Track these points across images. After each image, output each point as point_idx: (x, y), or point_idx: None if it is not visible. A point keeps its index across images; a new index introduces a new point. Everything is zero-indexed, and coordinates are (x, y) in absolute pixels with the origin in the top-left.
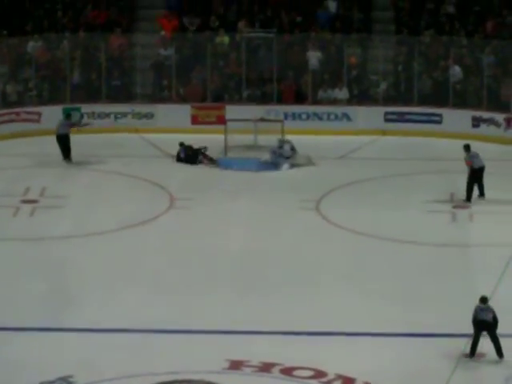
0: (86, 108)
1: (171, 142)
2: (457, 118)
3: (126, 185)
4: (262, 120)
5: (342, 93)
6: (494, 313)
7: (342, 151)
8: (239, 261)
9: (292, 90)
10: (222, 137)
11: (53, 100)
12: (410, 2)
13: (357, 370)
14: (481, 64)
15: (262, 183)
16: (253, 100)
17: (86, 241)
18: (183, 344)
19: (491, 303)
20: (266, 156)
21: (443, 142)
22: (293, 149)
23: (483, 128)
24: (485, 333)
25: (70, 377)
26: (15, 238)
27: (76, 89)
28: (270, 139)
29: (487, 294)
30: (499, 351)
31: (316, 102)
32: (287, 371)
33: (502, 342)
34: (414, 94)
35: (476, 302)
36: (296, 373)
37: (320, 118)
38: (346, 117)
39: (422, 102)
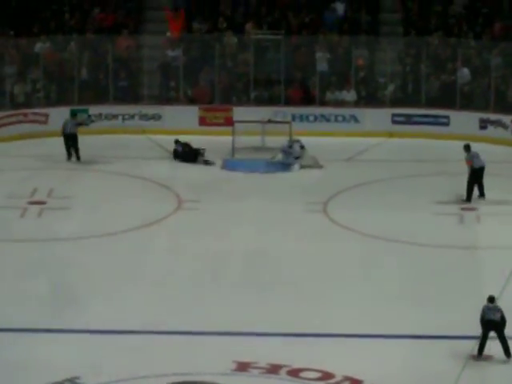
0: (93, 109)
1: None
2: (464, 120)
3: (134, 186)
4: (270, 122)
5: (350, 95)
6: (502, 312)
7: (350, 153)
8: (246, 262)
9: (299, 91)
10: (229, 138)
11: (60, 101)
12: (417, 4)
13: (364, 371)
14: (488, 66)
15: (269, 185)
16: (260, 102)
17: (93, 242)
18: (191, 345)
19: (499, 305)
20: (278, 156)
21: (450, 143)
22: (302, 147)
23: (490, 130)
24: (493, 333)
25: (78, 378)
26: (23, 239)
27: (83, 90)
28: (277, 141)
29: (495, 295)
30: (507, 351)
31: (324, 103)
32: (294, 373)
33: (510, 343)
34: (422, 95)
35: (484, 303)
36: (303, 374)
37: (327, 120)
38: (354, 119)
39: (430, 103)
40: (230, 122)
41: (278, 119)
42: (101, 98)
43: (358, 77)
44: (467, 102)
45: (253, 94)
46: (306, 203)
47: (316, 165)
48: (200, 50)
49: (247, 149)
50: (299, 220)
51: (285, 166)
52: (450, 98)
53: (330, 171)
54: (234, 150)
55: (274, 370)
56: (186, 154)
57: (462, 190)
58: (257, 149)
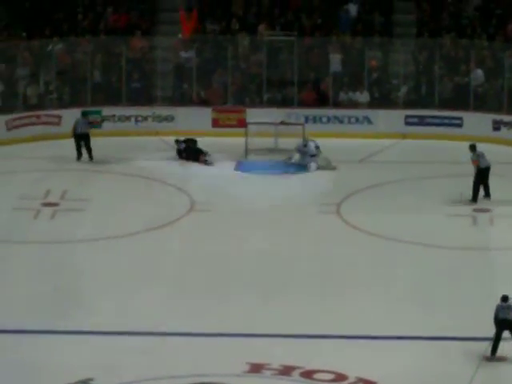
0: (106, 111)
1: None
2: (477, 122)
3: (147, 188)
4: (283, 123)
5: (363, 96)
6: None
7: (363, 154)
8: (259, 264)
9: (312, 93)
10: (242, 140)
11: (73, 103)
12: (430, 5)
13: (378, 373)
14: (502, 67)
15: (282, 187)
16: (273, 103)
17: (106, 244)
18: (203, 347)
19: None
20: (294, 156)
21: (464, 145)
22: (317, 147)
23: (504, 131)
24: (507, 334)
25: (91, 380)
26: (36, 241)
27: (97, 91)
28: (290, 142)
29: (509, 295)
30: None
31: (337, 104)
32: (307, 374)
33: None
34: (435, 97)
35: (498, 303)
36: (316, 376)
37: (341, 122)
38: (367, 120)
39: (443, 105)
40: (242, 123)
41: (291, 121)
42: (114, 99)
43: (371, 78)
44: (480, 104)
45: (266, 96)
46: (319, 205)
47: (329, 166)
48: (213, 52)
49: (260, 150)
50: (312, 221)
51: (301, 167)
52: (463, 99)
53: (343, 173)
54: (247, 151)
55: (287, 371)
56: (190, 151)
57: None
58: (270, 150)
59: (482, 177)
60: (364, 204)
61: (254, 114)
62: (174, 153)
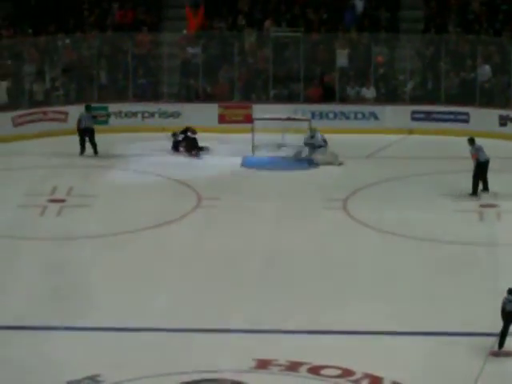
0: (113, 107)
1: (198, 140)
2: (484, 117)
3: (153, 184)
4: (290, 119)
5: (370, 92)
6: None
7: (369, 150)
8: (266, 259)
9: (319, 89)
10: (249, 136)
11: (80, 99)
12: (437, 1)
13: (384, 368)
14: (508, 63)
15: (288, 182)
16: (280, 99)
17: (113, 240)
18: (210, 343)
19: None
20: (304, 150)
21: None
22: (325, 140)
23: (510, 127)
24: None
25: (98, 376)
26: (42, 237)
27: (103, 88)
28: (297, 138)
29: None
30: None
31: (343, 100)
32: (315, 370)
33: None
34: (441, 92)
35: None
36: (323, 372)
37: (347, 117)
38: (373, 116)
39: (449, 100)
40: (249, 119)
41: (298, 116)
42: (120, 95)
43: (377, 74)
44: (487, 99)
45: (272, 92)
46: (325, 200)
47: (336, 161)
48: (219, 48)
49: (267, 146)
50: (319, 217)
51: (307, 163)
52: (469, 94)
53: (349, 168)
54: (253, 147)
55: (294, 367)
56: (189, 140)
57: (482, 187)
58: (276, 146)
59: (481, 170)
60: (370, 199)
61: (260, 110)
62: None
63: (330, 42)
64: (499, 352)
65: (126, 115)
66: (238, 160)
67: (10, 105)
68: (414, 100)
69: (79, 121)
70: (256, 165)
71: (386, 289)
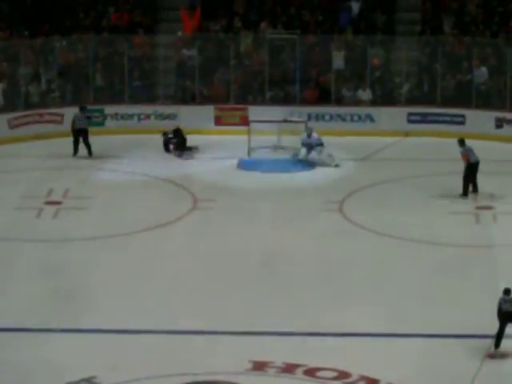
0: (109, 109)
1: (194, 142)
2: (480, 119)
3: (149, 186)
4: (286, 121)
5: (366, 94)
6: None
7: (365, 152)
8: (262, 262)
9: (315, 92)
10: (245, 138)
11: (76, 101)
12: (433, 3)
13: (380, 370)
14: (504, 64)
15: (284, 184)
16: (276, 101)
17: (108, 242)
18: (207, 345)
19: None
20: (302, 151)
21: (466, 142)
22: (321, 144)
23: (506, 129)
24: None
25: (94, 378)
26: (39, 239)
27: (99, 90)
28: (293, 140)
29: None
30: None
31: (339, 102)
32: (311, 372)
33: None
34: (437, 94)
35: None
36: (320, 374)
37: (343, 119)
38: (369, 118)
39: (445, 102)
40: (245, 121)
41: (294, 118)
42: (116, 97)
43: (373, 76)
44: (483, 101)
45: (268, 94)
46: (321, 202)
47: (332, 163)
48: (215, 50)
49: (263, 148)
50: (315, 219)
51: (304, 165)
52: (465, 97)
53: (345, 170)
54: (249, 149)
55: (290, 369)
56: (180, 139)
57: (478, 189)
58: (272, 148)
59: (471, 172)
60: (367, 202)
61: (256, 112)
62: (191, 154)
63: (326, 44)
64: (496, 353)
65: (122, 117)
66: (234, 162)
67: (6, 107)
68: (410, 102)
69: (73, 122)
70: (252, 167)
71: (382, 291)
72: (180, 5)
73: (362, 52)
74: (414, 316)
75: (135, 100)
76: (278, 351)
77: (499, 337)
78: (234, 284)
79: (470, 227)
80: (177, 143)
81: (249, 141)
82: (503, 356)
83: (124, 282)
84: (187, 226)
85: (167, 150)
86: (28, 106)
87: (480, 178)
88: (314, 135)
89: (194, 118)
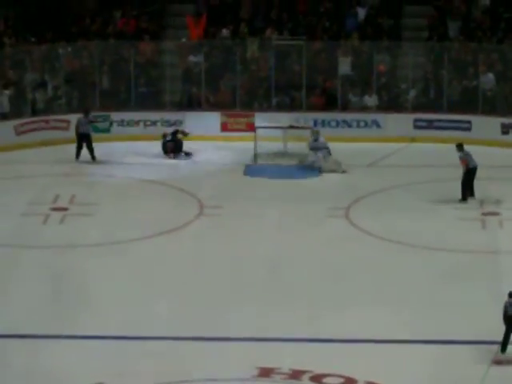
0: (115, 115)
1: (201, 149)
2: (486, 125)
3: (156, 192)
4: (292, 127)
5: (372, 100)
6: None
7: (372, 158)
8: (268, 268)
9: (321, 98)
10: (251, 144)
11: (82, 108)
12: (439, 9)
13: (387, 377)
14: (510, 71)
15: (291, 190)
16: (282, 107)
17: (115, 248)
18: (213, 351)
19: None
20: (309, 156)
21: (472, 148)
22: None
23: None
24: None
25: None
26: (45, 245)
27: (105, 96)
28: (299, 146)
29: None
30: None
31: (345, 108)
32: (317, 378)
33: None
34: (444, 101)
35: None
36: (326, 380)
37: (349, 125)
38: (376, 124)
39: (452, 108)
40: (251, 127)
41: (300, 125)
42: (122, 104)
43: (379, 82)
44: (489, 107)
45: (274, 100)
46: (327, 208)
47: (339, 169)
48: (221, 56)
49: (269, 155)
50: (321, 225)
51: (310, 171)
52: (472, 103)
53: (351, 176)
54: (255, 155)
55: (296, 375)
56: (176, 141)
57: (485, 196)
58: (279, 154)
59: (470, 177)
60: (373, 208)
61: (262, 118)
62: (183, 156)
63: (332, 50)
64: (502, 359)
65: (128, 123)
66: (241, 168)
67: (13, 113)
68: (417, 108)
69: (76, 126)
70: (258, 173)
71: (388, 297)
72: (186, 11)
73: (369, 58)
74: (420, 322)
75: (141, 106)
76: (285, 357)
77: (505, 341)
78: (241, 290)
79: (477, 233)
80: (173, 146)
81: (255, 147)
82: (510, 362)
83: (130, 288)
84: (194, 232)
85: (165, 152)
86: (34, 112)
87: (486, 184)
88: (321, 139)
89: (200, 125)
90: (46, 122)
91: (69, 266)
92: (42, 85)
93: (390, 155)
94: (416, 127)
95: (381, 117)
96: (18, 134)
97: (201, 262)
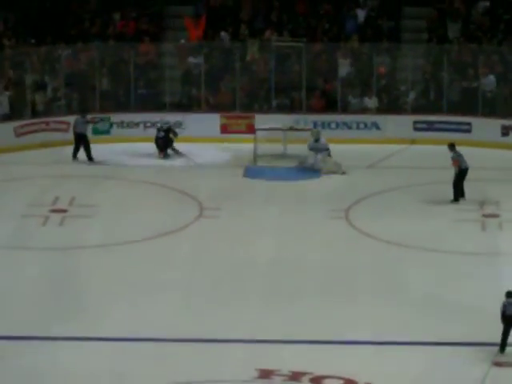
0: (114, 117)
1: (200, 151)
2: (486, 127)
3: (155, 194)
4: (292, 129)
5: (372, 102)
6: None
7: (371, 160)
8: (269, 270)
9: (321, 101)
10: (251, 146)
11: (83, 110)
12: (438, 10)
13: (386, 379)
14: (510, 72)
15: (290, 192)
16: (282, 109)
17: (114, 250)
18: (213, 353)
19: None
20: (309, 157)
21: (472, 150)
22: (327, 147)
23: None
24: None
25: None
26: (44, 247)
27: (105, 98)
28: (299, 148)
29: None
30: None
31: (345, 110)
32: (317, 380)
33: None
34: (443, 102)
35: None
36: (326, 382)
37: (349, 127)
38: (375, 126)
39: (452, 110)
40: (251, 129)
41: (300, 126)
42: (122, 105)
43: (379, 84)
44: (489, 109)
45: (274, 102)
46: (327, 210)
47: (339, 170)
48: (221, 58)
49: (269, 156)
50: (321, 227)
51: (310, 173)
52: (472, 104)
53: (351, 178)
54: (255, 157)
55: (296, 377)
56: (166, 138)
57: (485, 197)
58: (279, 156)
59: (462, 177)
60: (373, 209)
61: (262, 120)
62: (183, 159)
63: (332, 52)
64: (502, 361)
65: (127, 125)
66: (241, 170)
67: (12, 115)
68: (416, 110)
69: (74, 126)
70: (258, 175)
71: (388, 299)
72: (186, 13)
73: (368, 59)
74: (420, 324)
75: (141, 108)
76: (285, 359)
77: (504, 341)
78: (240, 292)
79: (476, 235)
80: (163, 143)
81: (255, 149)
82: (511, 363)
83: (129, 290)
84: (193, 234)
85: (157, 146)
86: (34, 114)
87: (486, 186)
88: (322, 140)
89: (200, 126)
90: (46, 123)
91: (68, 267)
92: (42, 86)
93: (389, 157)
94: (416, 129)
95: (381, 118)
96: (18, 135)
97: (200, 264)
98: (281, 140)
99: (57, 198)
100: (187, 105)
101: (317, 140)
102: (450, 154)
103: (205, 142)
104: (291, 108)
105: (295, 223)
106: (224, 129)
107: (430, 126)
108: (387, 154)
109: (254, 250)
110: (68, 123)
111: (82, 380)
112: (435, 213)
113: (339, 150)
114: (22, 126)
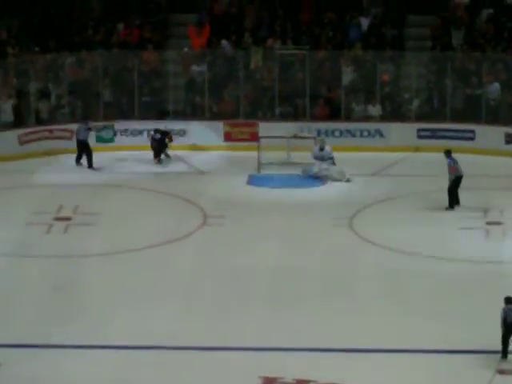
0: (118, 125)
1: (204, 159)
2: (490, 135)
3: (159, 202)
4: (296, 137)
5: (375, 109)
6: None
7: (375, 168)
8: (272, 277)
9: (325, 109)
10: (255, 154)
11: (85, 117)
12: (442, 18)
13: None
14: None
15: (294, 200)
16: (286, 117)
17: (118, 258)
18: (217, 361)
19: None
20: (314, 166)
21: (476, 158)
22: (331, 156)
23: None
24: None
25: None
26: (48, 255)
27: (108, 106)
28: (303, 156)
29: None
30: None
31: (349, 117)
32: None
33: None
34: (447, 110)
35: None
36: None
37: (353, 135)
38: (379, 133)
39: (455, 118)
40: (255, 137)
41: (304, 134)
42: (126, 113)
43: (383, 91)
44: (493, 117)
45: (278, 110)
46: (331, 218)
47: (344, 178)
48: (225, 66)
49: (273, 164)
50: (325, 235)
51: (314, 180)
52: (475, 112)
53: (355, 186)
54: (259, 165)
55: None
56: (161, 140)
57: (488, 205)
58: (282, 164)
59: (457, 184)
60: (377, 217)
61: (266, 128)
62: (185, 165)
63: (336, 60)
64: (506, 369)
65: (131, 133)
66: (244, 178)
67: (16, 123)
68: (420, 118)
69: (76, 133)
70: (262, 183)
71: (391, 306)
72: (189, 21)
73: (372, 67)
74: (423, 332)
75: (145, 116)
76: (288, 367)
77: (505, 347)
78: (244, 299)
79: (480, 243)
80: (157, 146)
81: (259, 157)
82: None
83: (133, 298)
84: (197, 242)
85: (153, 148)
86: (38, 122)
87: (490, 194)
88: (327, 148)
89: (204, 134)
90: (50, 131)
91: (72, 275)
92: (46, 94)
93: (393, 165)
94: (419, 137)
95: (384, 126)
96: (22, 143)
97: (204, 272)
98: (285, 148)
99: (61, 206)
100: (191, 113)
101: (322, 149)
102: (446, 161)
103: (208, 150)
104: (295, 116)
105: (299, 231)
106: (228, 137)
107: (434, 134)
108: (391, 161)
109: (257, 258)
110: (72, 131)
111: None
112: (439, 220)
113: (343, 157)
114: (26, 134)
